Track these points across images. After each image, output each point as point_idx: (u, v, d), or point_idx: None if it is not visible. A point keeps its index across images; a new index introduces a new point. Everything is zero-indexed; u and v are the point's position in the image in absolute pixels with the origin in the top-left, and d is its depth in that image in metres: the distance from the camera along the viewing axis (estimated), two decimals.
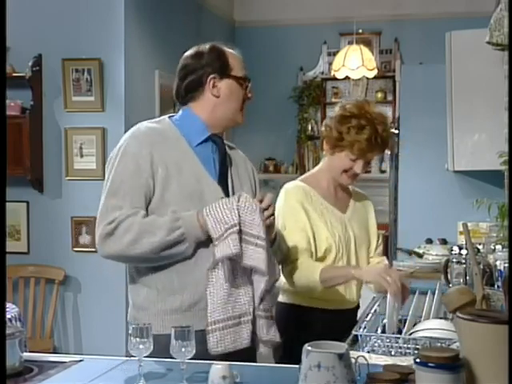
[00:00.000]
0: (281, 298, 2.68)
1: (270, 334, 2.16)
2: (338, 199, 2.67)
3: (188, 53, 2.28)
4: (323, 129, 2.62)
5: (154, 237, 2.04)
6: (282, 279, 2.58)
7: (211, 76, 2.21)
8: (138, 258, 2.09)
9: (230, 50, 2.27)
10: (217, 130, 2.26)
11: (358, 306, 2.73)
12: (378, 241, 2.74)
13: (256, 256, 2.04)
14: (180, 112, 2.30)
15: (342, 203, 2.68)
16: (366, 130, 2.47)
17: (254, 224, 2.05)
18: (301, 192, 2.57)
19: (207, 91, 2.22)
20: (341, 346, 1.49)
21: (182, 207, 2.11)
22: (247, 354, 2.13)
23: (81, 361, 2.00)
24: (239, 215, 2.05)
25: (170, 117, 2.30)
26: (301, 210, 2.52)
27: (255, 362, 2.24)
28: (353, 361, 1.50)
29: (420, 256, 4.23)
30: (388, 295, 2.25)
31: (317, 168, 2.74)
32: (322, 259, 2.54)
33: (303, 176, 2.76)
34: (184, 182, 2.14)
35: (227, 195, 2.18)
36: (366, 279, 2.43)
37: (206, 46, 2.26)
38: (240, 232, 2.04)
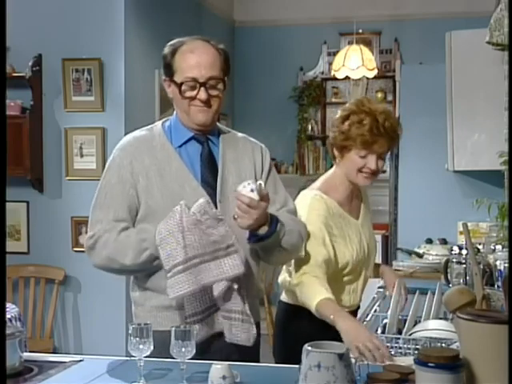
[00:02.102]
0: (283, 298, 2.67)
1: (234, 335, 2.12)
2: (353, 205, 2.61)
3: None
4: (329, 135, 2.57)
5: (125, 258, 2.10)
6: (286, 279, 2.56)
7: (163, 78, 2.24)
8: (117, 272, 2.20)
9: (185, 48, 2.18)
10: (192, 130, 2.23)
11: (358, 307, 2.73)
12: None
13: (216, 271, 2.03)
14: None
15: (355, 209, 2.62)
16: (366, 121, 2.44)
17: (213, 238, 2.03)
18: (323, 207, 2.47)
19: (167, 91, 2.26)
20: (341, 346, 1.49)
21: (168, 213, 2.10)
22: (250, 353, 2.15)
23: (81, 361, 2.00)
24: (186, 246, 2.00)
25: (164, 121, 2.31)
26: (324, 228, 2.43)
27: (258, 360, 2.25)
28: (353, 361, 1.50)
29: (420, 256, 4.23)
30: (393, 294, 2.26)
31: (330, 172, 2.64)
32: (337, 273, 2.48)
33: (321, 183, 2.61)
34: (166, 187, 2.15)
35: (214, 197, 2.15)
36: (344, 338, 2.17)
37: (171, 43, 2.22)
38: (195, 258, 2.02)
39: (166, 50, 2.21)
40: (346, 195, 2.56)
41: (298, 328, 2.55)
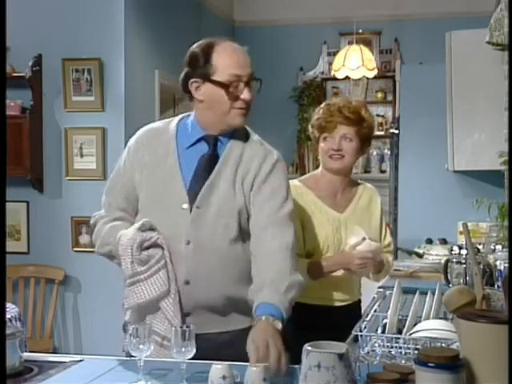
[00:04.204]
0: None
1: None
2: (338, 200, 2.70)
3: (193, 46, 2.21)
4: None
5: (96, 244, 2.23)
6: None
7: (193, 80, 2.14)
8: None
9: (223, 47, 2.13)
10: (215, 132, 2.18)
11: (358, 305, 2.74)
12: (380, 239, 2.74)
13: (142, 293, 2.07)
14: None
15: (341, 203, 2.69)
16: (322, 106, 2.70)
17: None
18: (293, 191, 2.58)
19: (193, 94, 2.16)
20: (341, 346, 1.49)
21: (149, 211, 2.15)
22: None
23: (81, 361, 2.00)
24: (133, 263, 2.07)
25: (184, 117, 2.27)
26: None
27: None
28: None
29: (420, 256, 4.23)
30: (393, 293, 2.26)
31: (318, 169, 2.79)
32: (306, 256, 2.61)
33: (303, 176, 2.86)
34: (152, 186, 2.16)
35: (193, 201, 2.12)
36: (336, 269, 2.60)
37: (200, 43, 2.17)
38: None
39: (197, 50, 2.14)
40: (326, 188, 2.70)
41: (291, 321, 2.58)
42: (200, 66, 2.12)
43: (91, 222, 2.28)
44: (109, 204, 2.24)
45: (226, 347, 2.07)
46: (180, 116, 2.28)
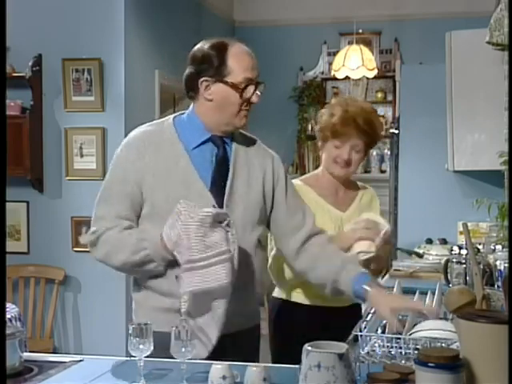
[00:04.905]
0: (275, 293, 2.70)
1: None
2: (339, 198, 2.70)
3: (199, 44, 2.18)
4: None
5: (122, 255, 2.09)
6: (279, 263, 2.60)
7: (203, 79, 2.12)
8: (116, 268, 2.17)
9: (237, 49, 2.13)
10: (217, 133, 2.19)
11: (359, 305, 2.73)
12: None
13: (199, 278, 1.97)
14: (188, 109, 2.26)
15: (343, 202, 2.70)
16: (336, 111, 2.59)
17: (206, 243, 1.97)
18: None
19: (201, 93, 2.15)
20: (341, 346, 1.49)
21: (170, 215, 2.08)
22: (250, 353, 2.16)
23: (81, 361, 2.00)
24: (191, 248, 1.95)
25: (176, 116, 2.25)
26: None
27: (257, 360, 2.25)
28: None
29: (420, 256, 4.22)
30: (393, 293, 2.26)
31: (319, 168, 2.77)
32: None
33: (303, 176, 2.83)
34: (171, 189, 2.10)
35: (221, 202, 2.12)
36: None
37: (211, 43, 2.15)
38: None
39: (210, 50, 2.12)
40: (328, 187, 2.69)
41: (292, 323, 2.58)
42: (214, 66, 2.11)
43: (92, 238, 2.14)
44: (109, 214, 2.12)
45: (249, 344, 2.20)
46: (171, 116, 2.26)
